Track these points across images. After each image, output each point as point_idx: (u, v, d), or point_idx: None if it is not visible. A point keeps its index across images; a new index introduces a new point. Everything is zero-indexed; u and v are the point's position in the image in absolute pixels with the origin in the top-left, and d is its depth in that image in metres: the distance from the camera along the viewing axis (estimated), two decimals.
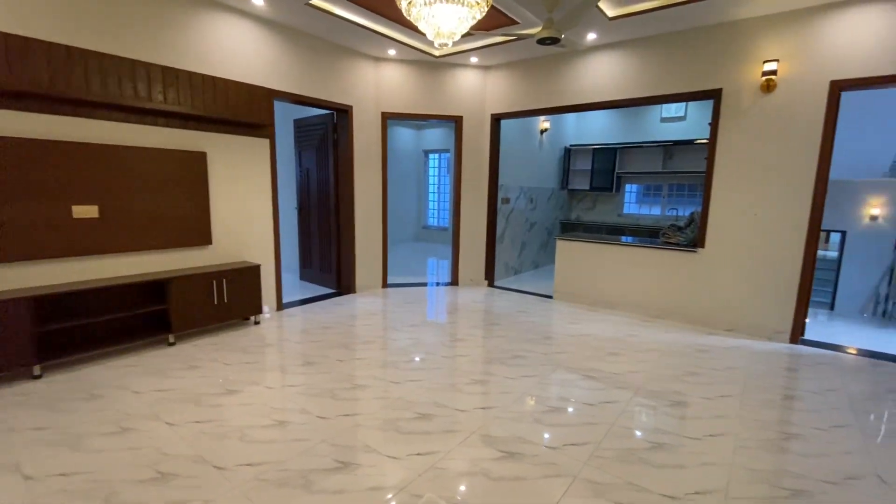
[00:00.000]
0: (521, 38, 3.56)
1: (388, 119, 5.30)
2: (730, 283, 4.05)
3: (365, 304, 4.79)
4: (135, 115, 3.32)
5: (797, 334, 3.79)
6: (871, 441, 2.30)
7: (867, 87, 3.38)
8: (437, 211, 10.26)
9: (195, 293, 3.52)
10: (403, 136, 9.72)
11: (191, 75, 3.56)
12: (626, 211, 7.59)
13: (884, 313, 5.61)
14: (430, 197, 10.33)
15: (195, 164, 3.65)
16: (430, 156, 10.18)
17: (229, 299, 3.74)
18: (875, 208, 5.94)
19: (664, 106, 6.94)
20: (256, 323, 4.04)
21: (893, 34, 3.21)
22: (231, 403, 2.56)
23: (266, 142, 4.18)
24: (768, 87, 3.69)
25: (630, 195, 7.57)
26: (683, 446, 2.21)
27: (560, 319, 4.39)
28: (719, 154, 4.00)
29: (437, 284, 5.86)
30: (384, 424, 2.36)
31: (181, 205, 3.60)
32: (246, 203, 4.09)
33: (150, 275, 3.41)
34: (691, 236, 4.33)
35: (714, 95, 3.99)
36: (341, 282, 5.30)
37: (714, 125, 4.01)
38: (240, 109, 3.89)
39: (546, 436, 2.28)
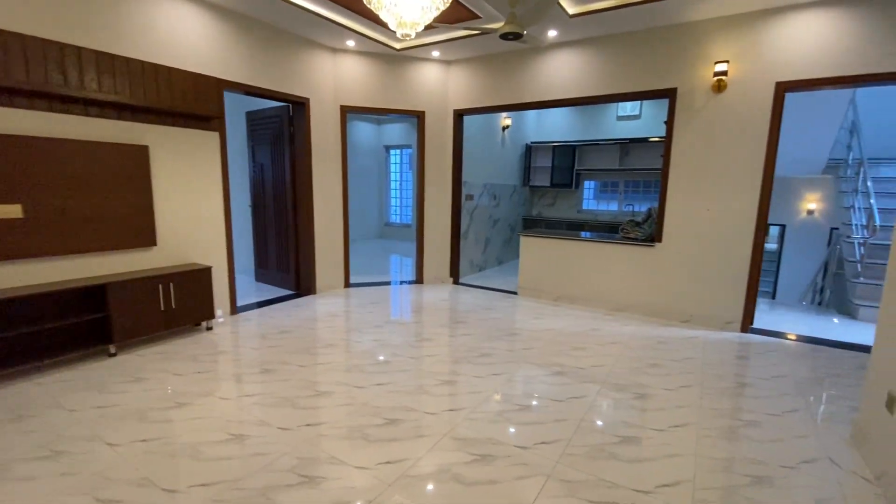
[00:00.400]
0: (484, 32, 3.52)
1: (348, 112, 5.12)
2: (685, 277, 4.21)
3: (326, 305, 4.62)
4: (64, 104, 3.00)
5: (747, 323, 3.98)
6: (820, 425, 2.43)
7: (809, 88, 3.58)
8: (399, 207, 10.12)
9: (139, 299, 3.25)
10: (363, 130, 9.50)
11: (129, 61, 3.27)
12: (585, 207, 7.76)
13: (820, 302, 6.03)
14: (392, 193, 10.17)
15: (136, 159, 3.36)
16: (392, 151, 10.01)
17: (178, 304, 3.48)
18: (811, 203, 6.35)
19: (620, 104, 7.14)
20: (209, 329, 3.79)
21: (835, 38, 3.41)
22: (181, 418, 2.37)
23: (216, 135, 3.92)
24: (719, 87, 3.84)
25: (588, 191, 7.75)
26: (650, 438, 2.25)
27: (525, 315, 4.41)
28: (675, 152, 4.13)
29: (402, 283, 5.75)
30: (350, 432, 2.25)
31: (121, 203, 3.30)
32: (195, 201, 3.83)
33: (84, 280, 3.10)
34: (649, 231, 4.46)
35: (669, 95, 4.11)
36: (301, 282, 5.08)
37: (669, 124, 4.14)
38: (186, 100, 3.62)
39: (517, 435, 2.25)
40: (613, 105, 7.22)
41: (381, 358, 3.24)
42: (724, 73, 3.75)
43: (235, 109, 5.37)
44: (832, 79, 3.46)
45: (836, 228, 5.88)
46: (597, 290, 4.69)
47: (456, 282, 5.75)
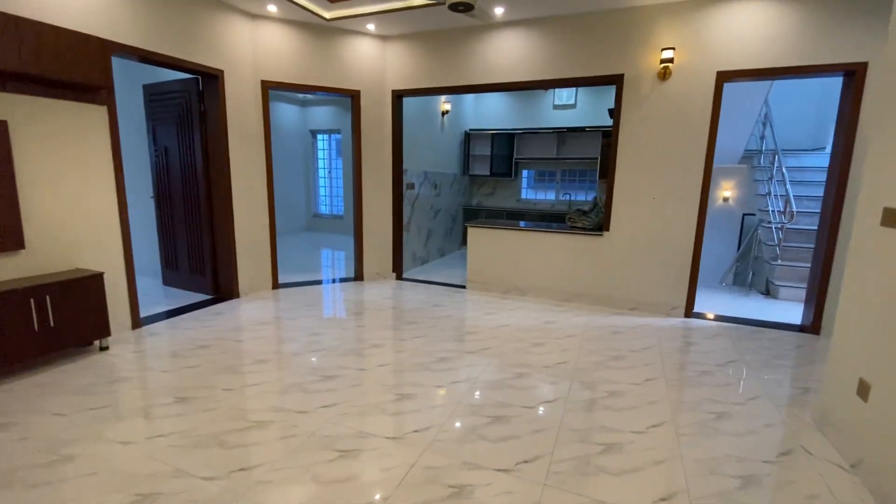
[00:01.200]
0: (431, 3, 3.15)
1: (271, 89, 4.49)
2: (632, 264, 4.23)
3: (253, 311, 4.04)
4: None
5: (690, 308, 4.09)
6: (783, 411, 2.46)
7: (747, 78, 3.67)
8: (329, 198, 9.45)
9: (2, 317, 2.51)
10: (287, 113, 8.68)
11: None
12: (523, 196, 7.73)
13: (743, 283, 6.51)
14: (321, 182, 9.46)
15: None
16: (319, 136, 9.28)
17: (59, 321, 2.77)
18: (727, 191, 6.78)
19: (556, 92, 7.13)
20: (104, 349, 3.09)
21: (772, 29, 3.50)
22: (65, 476, 1.80)
23: (102, 110, 3.17)
24: (664, 74, 3.84)
25: (527, 181, 7.72)
26: (632, 443, 2.10)
27: (476, 311, 4.18)
28: (622, 140, 4.09)
29: (339, 281, 5.26)
30: (296, 474, 1.84)
31: None
32: (78, 192, 3.07)
33: None
34: (596, 220, 4.42)
35: (616, 81, 4.04)
36: (220, 285, 4.42)
37: (617, 111, 4.08)
38: (61, 64, 2.84)
39: (495, 455, 1.99)
40: (550, 93, 7.20)
41: (326, 373, 2.82)
42: (671, 59, 3.74)
43: (130, 81, 4.50)
44: (768, 70, 3.57)
45: (752, 214, 6.35)
46: (546, 280, 4.59)
47: (399, 277, 5.38)
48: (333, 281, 5.22)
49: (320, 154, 9.36)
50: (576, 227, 4.52)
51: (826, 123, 6.29)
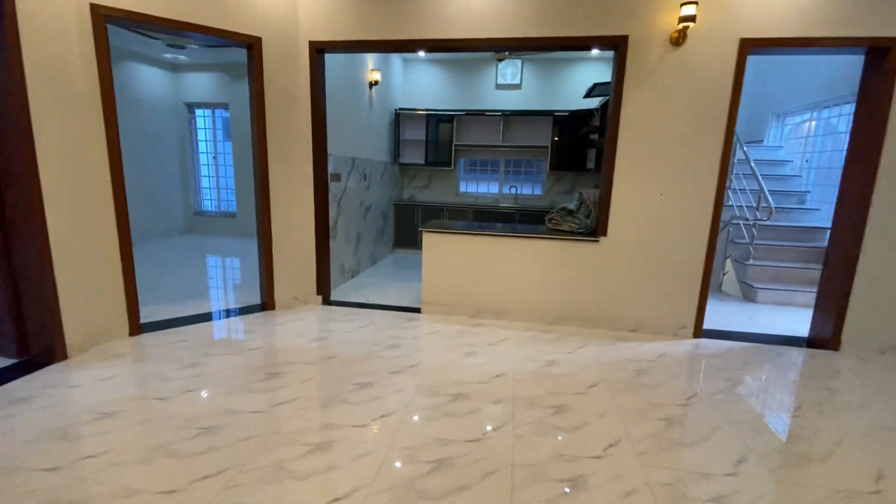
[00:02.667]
0: None
1: (111, 24, 2.81)
2: (634, 276, 3.43)
3: (88, 390, 2.41)
4: None
5: (700, 326, 3.42)
6: None
7: (773, 48, 3.01)
8: (216, 190, 7.49)
9: None
10: (150, 79, 6.55)
11: None
12: (462, 189, 6.70)
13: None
14: (203, 170, 7.45)
15: None
16: (199, 112, 7.25)
17: None
18: None
19: (499, 69, 6.18)
20: None
21: None
22: None
23: None
24: (680, 38, 3.04)
25: (465, 172, 6.70)
26: None
27: (450, 351, 3.04)
28: (624, 122, 3.23)
29: (238, 312, 3.72)
30: None
31: None
32: None
33: None
34: (586, 222, 3.54)
35: (618, 44, 3.15)
36: (29, 342, 2.66)
37: (618, 84, 3.20)
38: None
39: None
40: (491, 70, 6.23)
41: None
42: (692, 18, 2.93)
43: None
44: (799, 40, 2.94)
45: None
46: (528, 299, 3.61)
47: (327, 301, 3.99)
48: (228, 314, 3.66)
49: (201, 135, 7.32)
50: (559, 231, 3.60)
51: (762, 116, 6.23)
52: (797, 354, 3.19)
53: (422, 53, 5.96)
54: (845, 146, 4.81)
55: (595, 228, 3.48)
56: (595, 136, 5.19)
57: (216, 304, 3.90)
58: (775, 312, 4.17)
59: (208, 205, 7.54)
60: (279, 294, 3.75)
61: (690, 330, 3.43)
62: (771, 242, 4.74)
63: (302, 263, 3.82)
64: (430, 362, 2.83)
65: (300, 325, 3.40)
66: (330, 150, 4.01)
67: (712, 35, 3.03)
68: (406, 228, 6.27)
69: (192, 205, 7.37)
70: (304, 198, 3.73)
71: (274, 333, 3.23)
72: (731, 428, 2.19)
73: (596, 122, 5.39)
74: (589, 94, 4.30)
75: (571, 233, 3.54)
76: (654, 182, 3.27)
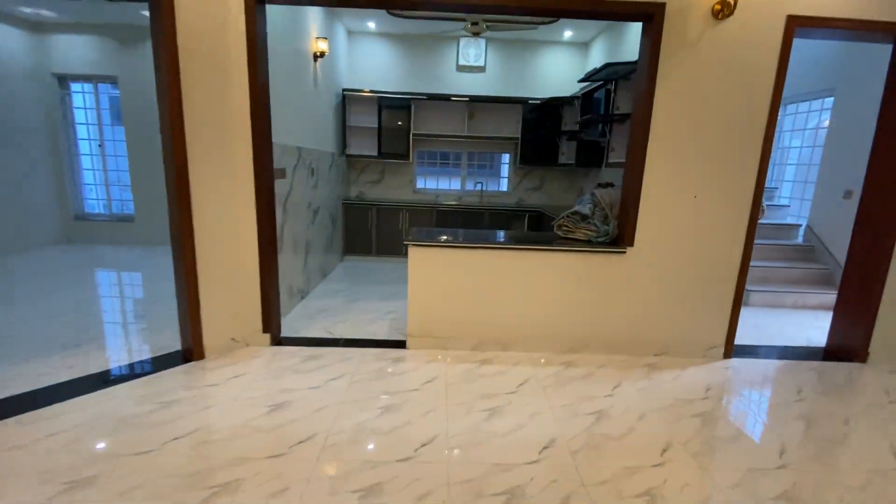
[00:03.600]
0: None
1: None
2: (663, 292, 2.93)
3: None
4: None
5: (731, 344, 3.02)
6: None
7: (821, 28, 2.62)
8: (103, 187, 5.93)
9: None
10: (1, 42, 4.90)
11: None
12: (419, 186, 5.89)
13: None
14: (85, 162, 5.86)
15: None
16: (75, 87, 5.65)
17: None
18: None
19: (461, 50, 5.44)
20: None
21: None
22: None
23: None
24: (723, 10, 2.53)
25: (423, 165, 5.90)
26: None
27: (465, 410, 2.29)
28: (658, 107, 2.67)
29: (149, 368, 2.62)
30: None
31: None
32: None
33: None
34: (605, 228, 2.96)
35: (652, 14, 2.57)
36: None
37: (651, 62, 2.62)
38: None
39: None
40: (452, 50, 5.47)
41: None
42: None
43: None
44: (850, 21, 2.57)
45: None
46: (540, 324, 2.97)
47: (277, 339, 3.02)
48: (133, 371, 2.57)
49: (80, 116, 5.70)
50: (572, 240, 2.99)
51: None
52: (838, 372, 2.90)
53: (372, 24, 5.03)
54: (820, 141, 4.81)
55: (617, 236, 2.91)
56: (576, 128, 4.68)
57: (111, 354, 2.75)
58: (774, 317, 3.96)
59: (94, 206, 5.94)
60: (210, 335, 2.72)
61: (721, 350, 3.01)
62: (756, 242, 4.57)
63: (241, 290, 2.82)
64: (449, 434, 2.06)
65: (245, 385, 2.42)
66: (273, 137, 3.02)
67: (756, 9, 2.56)
68: (357, 232, 5.34)
69: (71, 207, 5.74)
70: (241, 200, 2.73)
71: (206, 404, 2.23)
72: None
73: (575, 111, 4.89)
74: (590, 77, 3.75)
75: (588, 242, 2.94)
76: (688, 180, 2.77)
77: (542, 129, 5.35)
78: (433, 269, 2.87)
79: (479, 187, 5.80)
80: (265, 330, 2.92)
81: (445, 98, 5.32)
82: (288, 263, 3.50)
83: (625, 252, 2.84)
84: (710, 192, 2.79)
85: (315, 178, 4.17)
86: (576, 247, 2.85)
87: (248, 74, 2.60)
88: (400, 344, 3.02)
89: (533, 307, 2.93)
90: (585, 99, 4.52)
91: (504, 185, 5.89)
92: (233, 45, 2.55)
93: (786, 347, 3.28)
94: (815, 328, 3.69)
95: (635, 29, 4.15)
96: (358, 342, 3.05)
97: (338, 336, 3.13)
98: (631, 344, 3.00)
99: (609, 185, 3.50)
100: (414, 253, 2.84)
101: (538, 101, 5.24)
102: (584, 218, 3.03)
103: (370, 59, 5.47)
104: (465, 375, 2.63)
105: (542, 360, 2.87)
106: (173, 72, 2.36)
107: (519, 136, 5.37)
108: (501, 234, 3.21)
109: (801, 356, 3.13)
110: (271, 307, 2.93)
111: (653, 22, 2.58)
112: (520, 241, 2.94)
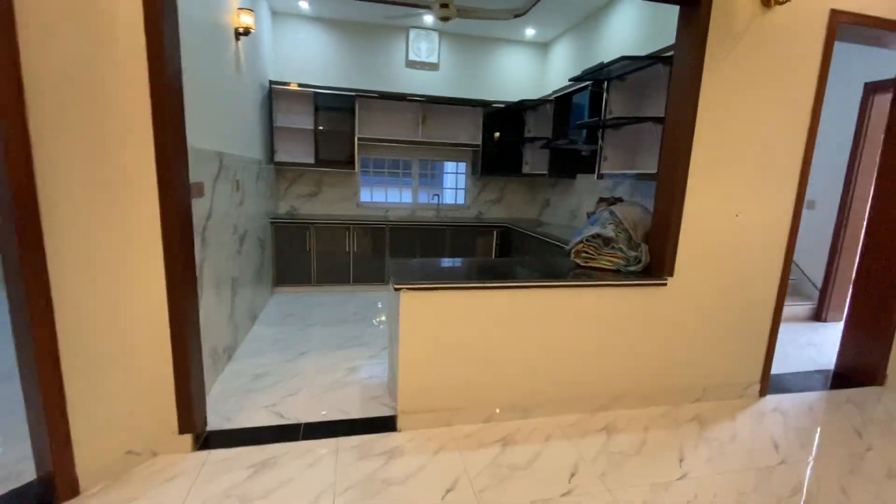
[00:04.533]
0: None
1: None
2: (703, 327, 2.48)
3: None
4: None
5: (767, 379, 2.66)
6: None
7: (864, 27, 2.35)
8: None
9: None
10: None
11: None
12: (364, 199, 5.03)
13: None
14: None
15: None
16: None
17: None
18: None
19: (411, 42, 4.72)
20: None
21: None
22: None
23: None
24: None
25: (368, 175, 5.04)
26: None
27: None
28: (704, 108, 2.20)
29: None
30: None
31: None
32: None
33: None
34: (633, 255, 2.43)
35: None
36: None
37: (696, 55, 2.14)
38: None
39: None
40: (401, 43, 4.72)
41: None
42: None
43: None
44: (891, 22, 2.33)
45: None
46: (567, 380, 2.34)
47: (202, 440, 2.02)
48: None
49: None
50: (595, 269, 2.42)
51: None
52: (870, 400, 2.66)
53: (303, 3, 4.11)
54: None
55: (650, 264, 2.40)
56: (547, 135, 4.19)
57: None
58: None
59: None
60: (87, 452, 1.68)
61: (757, 387, 2.64)
62: None
63: (140, 372, 1.81)
64: None
65: None
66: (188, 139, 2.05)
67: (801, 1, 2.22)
68: (291, 257, 4.34)
69: None
70: (139, 234, 1.73)
71: None
72: None
73: (541, 116, 4.40)
74: (591, 74, 3.24)
75: (617, 272, 2.39)
76: (729, 195, 2.34)
77: (504, 136, 4.81)
78: (433, 319, 2.10)
79: (434, 200, 5.09)
80: (183, 429, 1.92)
81: (399, 97, 4.54)
82: (210, 315, 2.48)
83: (666, 283, 2.33)
84: (749, 208, 2.39)
85: (241, 194, 3.15)
86: (608, 279, 2.28)
87: (147, 39, 1.64)
88: (386, 423, 2.20)
89: (558, 359, 2.30)
90: (560, 103, 4.07)
91: (461, 198, 5.25)
92: (123, 5, 1.58)
93: (801, 373, 3.03)
94: (808, 346, 3.54)
95: (611, 28, 3.78)
96: (326, 427, 2.16)
97: (293, 420, 2.22)
98: (667, 392, 2.50)
99: (618, 200, 3.01)
100: (409, 301, 2.05)
101: (502, 105, 4.70)
102: (608, 242, 2.48)
103: (303, 47, 4.51)
104: (492, 470, 1.90)
105: (576, 429, 2.24)
106: (8, 38, 1.35)
107: (479, 142, 4.78)
108: (511, 267, 2.53)
109: (824, 383, 2.89)
110: (191, 391, 1.93)
111: (699, 6, 2.10)
112: (543, 276, 2.29)
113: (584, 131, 3.62)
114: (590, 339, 2.32)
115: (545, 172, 4.32)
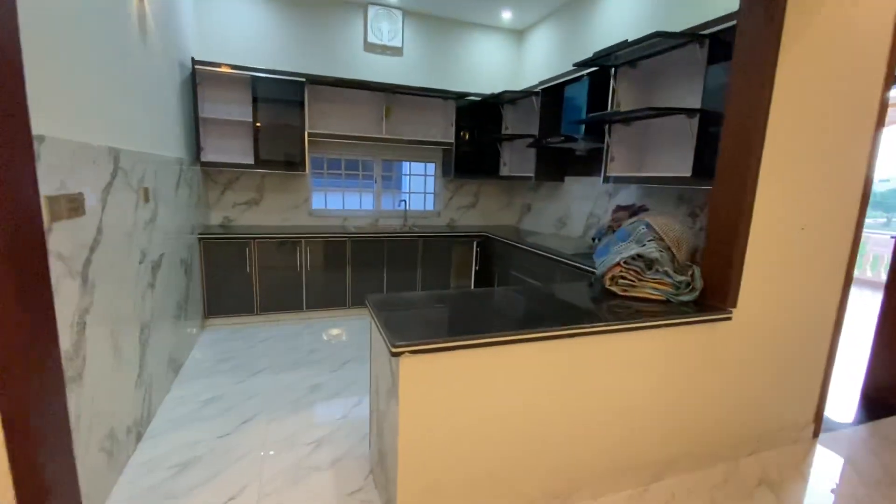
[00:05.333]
0: None
1: None
2: (764, 365, 2.02)
3: None
4: None
5: (821, 419, 2.27)
6: None
7: None
8: None
9: None
10: None
11: None
12: (316, 206, 4.24)
13: None
14: None
15: None
16: None
17: None
18: None
19: (371, 22, 4.02)
20: None
21: None
22: None
23: None
24: None
25: (321, 177, 4.26)
26: None
27: None
28: (779, 99, 1.72)
29: None
30: None
31: None
32: None
33: None
34: (682, 279, 1.92)
35: None
36: None
37: (772, 34, 1.66)
38: None
39: None
40: (358, 23, 4.00)
41: None
42: None
43: None
44: None
45: None
46: (609, 452, 1.78)
47: None
48: None
49: None
50: (636, 298, 1.90)
51: None
52: None
53: None
54: None
55: (704, 291, 1.90)
56: (534, 132, 3.66)
57: None
58: None
59: None
60: None
61: (811, 428, 2.25)
62: None
63: None
64: None
65: None
66: (43, 126, 1.27)
67: None
68: (227, 281, 3.49)
69: None
70: None
71: None
72: None
73: (522, 111, 3.86)
74: (585, 65, 2.73)
75: (667, 302, 1.88)
76: (796, 204, 1.90)
77: (480, 133, 4.24)
78: (444, 390, 1.45)
79: (401, 206, 4.41)
80: None
81: (359, 85, 3.82)
82: (102, 386, 1.67)
83: (731, 316, 1.84)
84: (815, 220, 1.97)
85: (152, 206, 2.31)
86: (661, 315, 1.74)
87: None
88: None
89: (603, 423, 1.74)
90: (548, 95, 3.55)
91: (430, 203, 4.61)
92: None
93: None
94: None
95: (602, 13, 3.33)
96: None
97: None
98: (722, 447, 2.03)
99: (642, 209, 2.52)
100: (412, 369, 1.38)
101: (478, 98, 4.12)
102: (651, 265, 1.96)
103: (237, 20, 3.66)
104: None
105: None
106: None
107: (452, 140, 4.16)
108: (529, 301, 1.92)
109: (869, 412, 2.57)
110: None
111: None
112: (574, 312, 1.72)
113: (582, 127, 3.12)
114: (640, 392, 1.78)
115: (530, 175, 3.80)
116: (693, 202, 2.60)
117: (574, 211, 3.75)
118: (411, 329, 1.47)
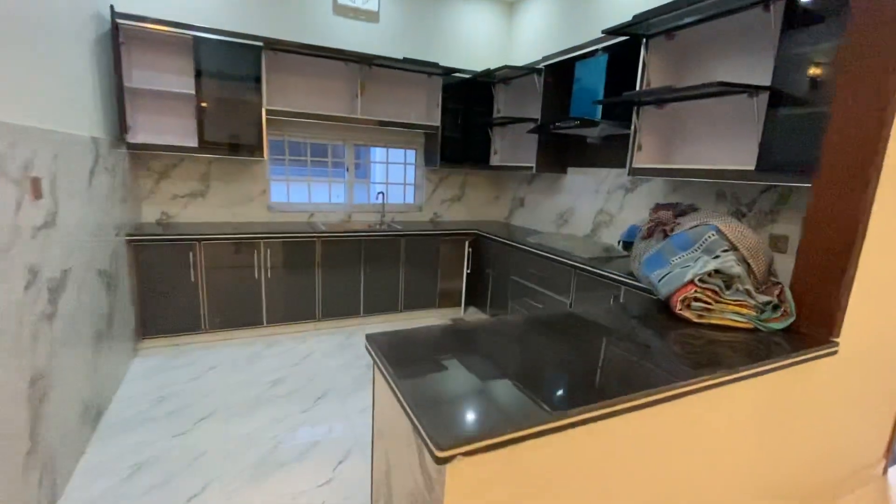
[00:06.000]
0: None
1: None
2: (859, 409, 1.68)
3: None
4: None
5: (889, 456, 1.98)
6: None
7: None
8: None
9: None
10: None
11: None
12: (275, 198, 3.58)
13: None
14: None
15: None
16: None
17: None
18: None
19: None
20: None
21: None
22: None
23: None
24: None
25: (280, 164, 3.59)
26: None
27: None
28: None
29: None
30: None
31: None
32: None
33: None
34: (770, 300, 1.52)
35: None
36: None
37: None
38: None
39: None
40: None
41: None
42: None
43: None
44: None
45: None
46: None
47: None
48: None
49: None
50: (715, 326, 1.48)
51: None
52: None
53: None
54: None
55: (798, 316, 1.51)
56: (536, 117, 3.18)
57: None
58: None
59: None
60: None
61: (882, 466, 1.95)
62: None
63: None
64: None
65: None
66: None
67: None
68: (166, 292, 2.80)
69: None
70: None
71: None
72: None
73: (529, 90, 3.37)
74: (616, 33, 2.26)
75: (755, 331, 1.47)
76: None
77: (468, 116, 3.72)
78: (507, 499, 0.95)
79: (378, 199, 3.82)
80: None
81: (329, 54, 3.18)
82: None
83: (836, 349, 1.45)
84: None
85: (49, 203, 1.64)
86: (763, 352, 1.33)
87: None
88: None
89: (695, 496, 1.31)
90: (553, 73, 3.07)
91: (411, 196, 4.05)
92: None
93: None
94: None
95: None
96: None
97: None
98: (803, 499, 1.67)
99: (691, 208, 2.10)
100: (463, 477, 0.87)
101: (468, 75, 3.58)
102: (729, 282, 1.54)
103: None
104: None
105: None
106: None
107: (438, 123, 3.61)
108: (586, 336, 1.45)
109: None
110: None
111: None
112: (672, 365, 1.27)
113: (599, 109, 2.68)
114: (738, 450, 1.37)
115: (529, 165, 3.33)
116: (740, 200, 2.22)
117: (578, 207, 3.32)
118: (453, 405, 0.95)
